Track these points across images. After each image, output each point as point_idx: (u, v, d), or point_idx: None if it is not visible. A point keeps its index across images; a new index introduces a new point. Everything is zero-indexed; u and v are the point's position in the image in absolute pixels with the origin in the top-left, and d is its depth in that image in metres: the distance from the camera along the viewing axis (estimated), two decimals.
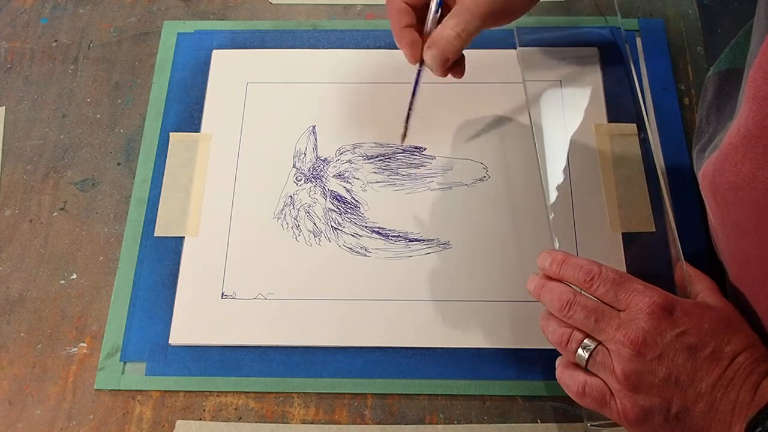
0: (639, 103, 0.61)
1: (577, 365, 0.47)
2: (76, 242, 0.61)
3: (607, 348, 0.45)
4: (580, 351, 0.46)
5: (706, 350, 0.44)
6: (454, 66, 0.55)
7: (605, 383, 0.46)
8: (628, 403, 0.44)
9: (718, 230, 0.51)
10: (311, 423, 0.54)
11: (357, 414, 0.54)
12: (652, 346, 0.44)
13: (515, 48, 0.66)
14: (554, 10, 0.70)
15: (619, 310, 0.46)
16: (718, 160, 0.47)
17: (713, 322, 0.45)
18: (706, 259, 0.58)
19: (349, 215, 0.61)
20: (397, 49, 0.67)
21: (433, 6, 0.53)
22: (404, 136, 0.58)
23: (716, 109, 0.55)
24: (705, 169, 0.49)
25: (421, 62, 0.54)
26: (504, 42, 0.67)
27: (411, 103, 0.56)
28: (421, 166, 0.63)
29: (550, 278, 0.50)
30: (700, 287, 0.50)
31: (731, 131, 0.45)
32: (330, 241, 0.60)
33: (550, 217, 0.57)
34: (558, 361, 0.49)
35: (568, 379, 0.47)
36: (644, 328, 0.44)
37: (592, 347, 0.46)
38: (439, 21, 0.53)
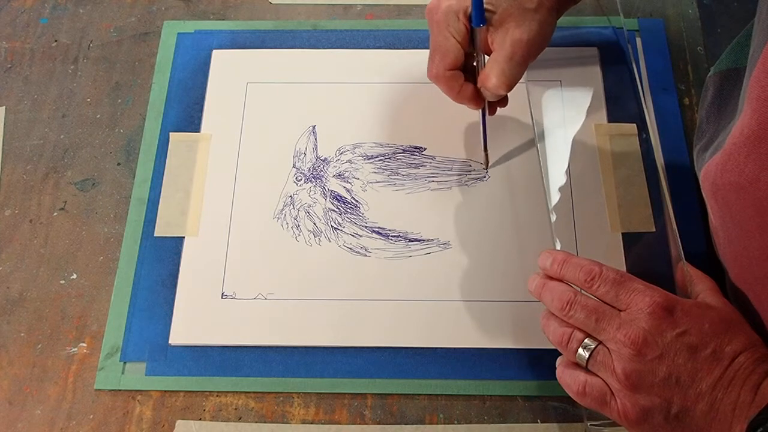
0: (641, 103, 0.61)
1: (577, 365, 0.47)
2: (76, 242, 0.61)
3: (607, 348, 0.45)
4: (580, 351, 0.46)
5: (707, 350, 0.44)
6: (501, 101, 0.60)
7: (606, 383, 0.46)
8: (629, 402, 0.44)
9: (719, 231, 0.51)
10: (311, 423, 0.54)
11: (357, 414, 0.54)
12: (652, 345, 0.44)
13: None
14: None
15: (620, 310, 0.46)
16: (721, 160, 0.47)
17: (714, 322, 0.45)
18: (706, 259, 0.58)
19: (349, 215, 0.61)
20: (398, 49, 0.68)
21: (481, 59, 0.55)
22: (487, 162, 0.62)
23: (717, 109, 0.55)
24: (707, 169, 0.49)
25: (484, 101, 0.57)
26: None
27: (484, 136, 0.60)
28: (421, 166, 0.63)
29: (550, 278, 0.50)
30: (701, 287, 0.50)
31: (734, 131, 0.45)
32: (330, 241, 0.60)
33: (551, 217, 0.57)
34: (558, 360, 0.49)
35: (569, 379, 0.47)
36: (645, 328, 0.44)
37: (593, 347, 0.46)
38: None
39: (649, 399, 0.44)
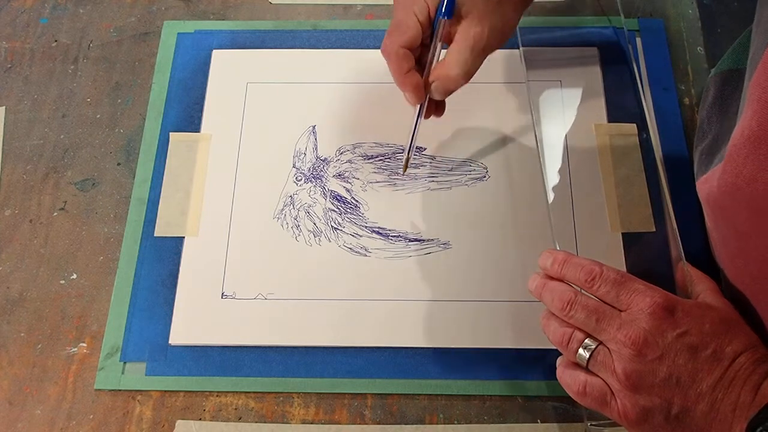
0: (641, 103, 0.61)
1: (577, 365, 0.47)
2: (76, 242, 0.61)
3: (608, 348, 0.45)
4: (581, 351, 0.46)
5: (707, 351, 0.44)
6: (438, 106, 0.58)
7: (606, 383, 0.46)
8: (629, 403, 0.44)
9: (714, 232, 0.51)
10: (311, 423, 0.54)
11: (357, 414, 0.54)
12: (653, 346, 0.44)
13: (516, 48, 0.66)
14: (555, 10, 0.70)
15: (621, 310, 0.46)
16: (721, 163, 0.47)
17: (714, 322, 0.45)
18: (706, 259, 0.57)
19: (349, 215, 0.61)
20: None
21: (437, 52, 0.54)
22: (406, 166, 0.59)
23: (718, 110, 0.55)
24: (710, 174, 0.49)
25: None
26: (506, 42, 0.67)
27: (413, 137, 0.57)
28: (421, 166, 0.63)
29: (551, 278, 0.50)
30: (702, 288, 0.50)
31: (735, 133, 0.45)
32: (330, 241, 0.60)
33: (551, 217, 0.57)
34: (559, 360, 0.49)
35: (569, 379, 0.47)
36: (645, 328, 0.44)
37: (593, 347, 0.46)
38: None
39: (650, 399, 0.44)
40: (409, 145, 0.57)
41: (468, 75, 0.53)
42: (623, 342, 0.44)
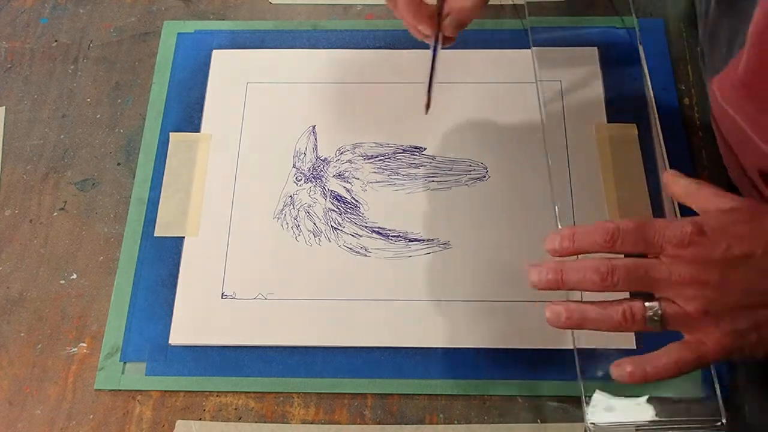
0: (647, 101, 0.61)
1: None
2: (76, 242, 0.61)
3: (669, 299, 0.43)
4: (648, 321, 0.43)
5: (758, 251, 0.42)
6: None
7: (691, 338, 0.43)
8: (719, 334, 0.42)
9: (733, 126, 0.49)
10: (311, 423, 0.54)
11: (357, 414, 0.54)
12: (709, 272, 0.42)
13: (514, 48, 0.67)
14: (556, 10, 0.70)
15: (655, 256, 0.43)
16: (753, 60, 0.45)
17: (745, 222, 0.43)
18: None
19: (349, 215, 0.61)
20: (398, 49, 0.68)
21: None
22: (428, 106, 0.56)
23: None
24: (731, 65, 0.48)
25: (437, 34, 0.55)
26: (504, 42, 0.67)
27: (432, 74, 0.55)
28: (421, 166, 0.63)
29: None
30: (704, 201, 0.48)
31: (756, 17, 0.43)
32: (330, 241, 0.60)
33: (557, 214, 0.57)
34: (626, 373, 0.44)
35: (665, 366, 0.43)
36: (693, 260, 0.42)
37: (658, 308, 0.43)
38: None
39: (734, 321, 0.42)
40: (429, 83, 0.55)
41: (478, 5, 0.52)
42: (680, 283, 0.42)
